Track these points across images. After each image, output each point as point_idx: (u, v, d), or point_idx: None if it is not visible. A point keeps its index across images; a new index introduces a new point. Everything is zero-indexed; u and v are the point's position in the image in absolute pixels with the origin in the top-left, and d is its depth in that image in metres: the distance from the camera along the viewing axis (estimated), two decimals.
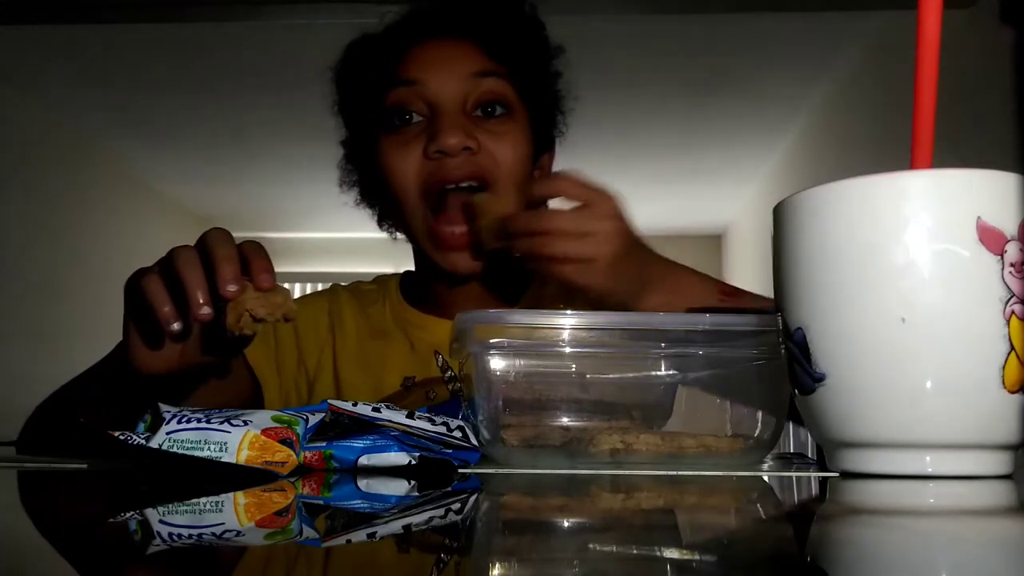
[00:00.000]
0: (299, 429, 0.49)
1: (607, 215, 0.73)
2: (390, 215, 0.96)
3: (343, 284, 1.01)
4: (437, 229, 0.84)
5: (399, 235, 0.97)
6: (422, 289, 0.95)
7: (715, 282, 0.81)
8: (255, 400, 0.90)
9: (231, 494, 0.39)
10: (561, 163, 0.99)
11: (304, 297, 0.99)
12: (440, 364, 0.90)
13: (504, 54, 0.87)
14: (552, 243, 0.72)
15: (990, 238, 0.41)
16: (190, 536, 0.29)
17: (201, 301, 0.58)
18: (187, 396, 0.73)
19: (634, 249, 0.75)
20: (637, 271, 0.75)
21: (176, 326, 0.59)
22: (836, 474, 0.47)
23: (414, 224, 0.86)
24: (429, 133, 0.83)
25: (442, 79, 0.84)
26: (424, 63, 0.85)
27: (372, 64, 0.89)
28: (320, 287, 1.03)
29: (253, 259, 0.61)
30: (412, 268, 0.99)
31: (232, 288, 0.58)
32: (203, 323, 0.59)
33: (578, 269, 0.72)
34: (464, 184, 0.82)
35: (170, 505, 0.36)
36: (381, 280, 1.00)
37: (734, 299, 0.78)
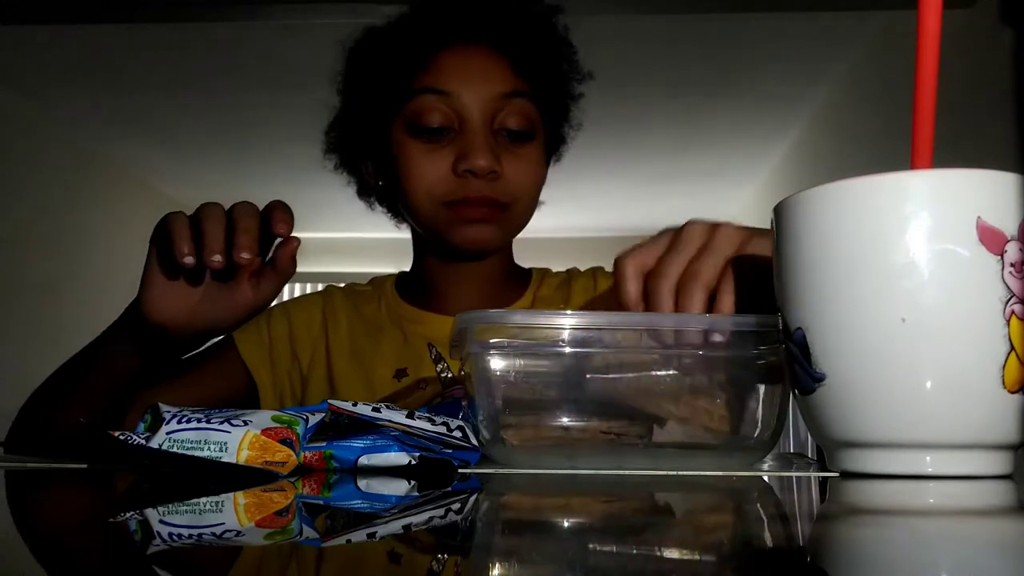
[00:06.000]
0: (299, 429, 0.49)
1: None
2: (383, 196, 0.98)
3: (338, 285, 1.02)
4: (456, 213, 0.85)
5: (378, 207, 0.99)
6: (417, 286, 0.95)
7: None
8: (248, 399, 0.91)
9: (231, 494, 0.39)
10: (562, 162, 0.99)
11: (298, 298, 0.99)
12: (433, 356, 0.90)
13: (531, 73, 0.87)
14: None
15: (990, 238, 0.41)
16: (190, 536, 0.29)
17: (215, 250, 0.64)
18: (181, 373, 0.81)
19: None
20: None
21: (189, 260, 0.64)
22: (836, 474, 0.47)
23: (425, 217, 0.87)
24: (459, 148, 0.83)
25: (474, 95, 0.84)
26: (456, 74, 0.84)
27: (395, 60, 0.88)
28: (320, 287, 1.04)
29: (275, 210, 0.67)
30: (409, 270, 0.99)
31: (246, 256, 0.64)
32: (213, 271, 0.65)
33: None
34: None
35: (170, 505, 0.36)
36: (376, 281, 1.01)
37: None
